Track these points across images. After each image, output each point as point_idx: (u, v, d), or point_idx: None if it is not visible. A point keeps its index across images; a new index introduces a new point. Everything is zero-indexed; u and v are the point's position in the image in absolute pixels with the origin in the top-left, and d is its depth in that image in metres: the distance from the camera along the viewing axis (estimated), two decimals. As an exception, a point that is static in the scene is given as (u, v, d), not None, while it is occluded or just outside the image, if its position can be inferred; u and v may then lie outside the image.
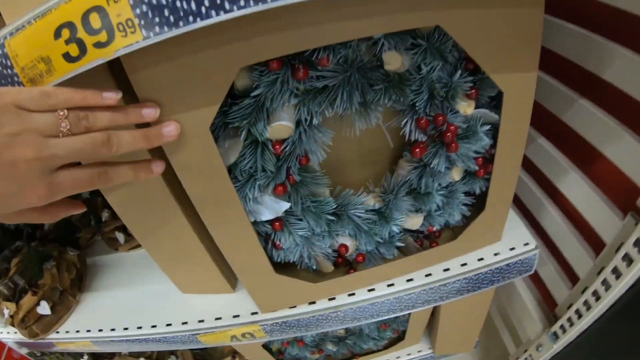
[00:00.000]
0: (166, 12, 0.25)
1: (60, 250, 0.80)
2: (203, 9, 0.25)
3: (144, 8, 0.25)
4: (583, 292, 0.60)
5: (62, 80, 0.28)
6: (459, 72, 0.38)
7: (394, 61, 0.35)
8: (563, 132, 0.60)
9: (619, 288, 0.53)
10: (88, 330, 0.70)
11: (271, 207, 0.41)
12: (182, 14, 0.25)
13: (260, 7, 0.25)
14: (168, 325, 0.63)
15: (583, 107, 0.55)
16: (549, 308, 0.74)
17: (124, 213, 0.49)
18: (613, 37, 0.49)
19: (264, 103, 0.34)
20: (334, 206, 0.46)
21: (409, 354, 0.91)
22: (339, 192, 0.47)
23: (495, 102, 0.42)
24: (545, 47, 0.59)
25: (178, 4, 0.25)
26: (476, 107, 0.42)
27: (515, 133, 0.43)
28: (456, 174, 0.47)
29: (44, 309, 0.71)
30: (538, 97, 0.42)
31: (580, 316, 0.62)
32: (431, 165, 0.43)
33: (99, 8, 0.25)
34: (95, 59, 0.26)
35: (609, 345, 0.65)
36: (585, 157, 0.57)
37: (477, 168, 0.46)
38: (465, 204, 0.52)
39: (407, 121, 0.40)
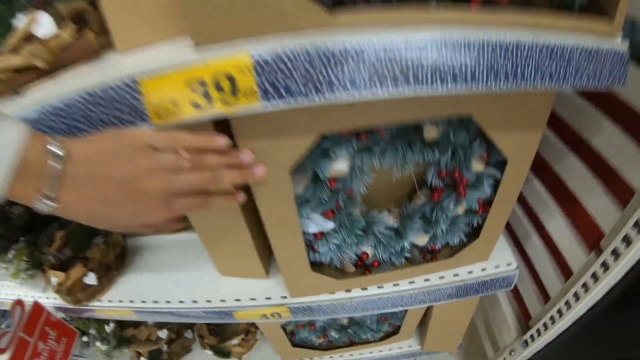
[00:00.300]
0: (281, 90, 0.39)
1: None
2: (309, 91, 0.38)
3: (266, 84, 0.38)
4: (551, 309, 0.76)
5: (182, 120, 0.40)
6: (477, 140, 0.53)
7: (432, 133, 0.50)
8: (552, 178, 0.76)
9: (578, 309, 0.69)
10: (131, 301, 0.84)
11: (319, 224, 0.56)
12: (292, 93, 0.39)
13: (344, 97, 0.39)
14: (208, 301, 0.79)
15: (570, 161, 0.71)
16: (524, 320, 0.90)
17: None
18: (602, 109, 0.64)
19: (329, 152, 0.50)
20: (364, 224, 0.61)
21: (400, 347, 1.08)
22: (367, 212, 0.63)
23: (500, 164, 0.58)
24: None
25: (291, 86, 0.38)
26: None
27: (511, 188, 0.59)
28: (460, 210, 0.63)
29: (91, 279, 0.84)
30: (538, 147, 0.58)
31: (546, 329, 0.78)
32: (443, 204, 0.59)
33: (231, 76, 0.39)
34: (219, 112, 0.39)
35: (570, 354, 0.82)
36: (566, 200, 0.73)
37: (477, 208, 0.62)
38: (464, 232, 0.68)
39: (431, 173, 0.56)
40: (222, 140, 0.44)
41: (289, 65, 0.36)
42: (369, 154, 0.50)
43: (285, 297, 0.75)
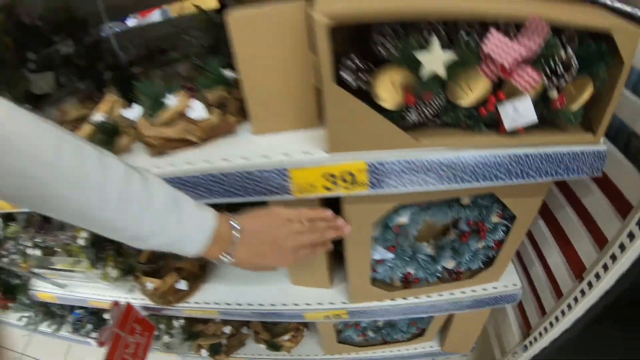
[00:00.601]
0: (382, 183, 0.66)
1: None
2: (401, 184, 0.65)
3: (374, 180, 0.65)
4: (545, 321, 1.03)
5: (315, 196, 0.68)
6: (496, 204, 0.80)
7: (466, 200, 0.78)
8: (553, 220, 1.02)
9: (564, 322, 0.96)
10: (217, 303, 1.11)
11: (383, 254, 0.84)
12: (389, 185, 0.65)
13: (422, 189, 0.66)
14: (284, 304, 1.06)
15: (567, 210, 0.97)
16: (526, 328, 1.16)
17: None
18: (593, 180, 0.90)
19: (398, 210, 0.77)
20: (410, 253, 0.89)
21: (423, 347, 1.35)
22: (413, 244, 0.90)
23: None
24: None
25: (389, 181, 0.65)
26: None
27: (518, 234, 0.86)
28: (480, 246, 0.90)
29: (182, 285, 1.10)
30: (546, 197, 0.83)
31: (541, 336, 1.05)
32: (468, 242, 0.86)
33: (352, 173, 0.66)
34: (341, 193, 0.67)
35: (559, 355, 1.08)
36: (561, 238, 0.99)
37: (493, 245, 0.89)
38: (482, 260, 0.95)
39: (462, 222, 0.83)
40: (328, 213, 0.71)
41: (388, 168, 0.63)
42: (424, 212, 0.78)
43: (344, 302, 1.02)
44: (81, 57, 1.19)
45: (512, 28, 0.53)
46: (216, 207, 0.61)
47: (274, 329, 1.42)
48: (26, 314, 1.62)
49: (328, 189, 0.65)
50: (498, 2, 0.52)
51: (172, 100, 0.75)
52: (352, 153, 0.63)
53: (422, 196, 0.71)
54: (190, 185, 0.70)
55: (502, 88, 0.58)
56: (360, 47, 0.58)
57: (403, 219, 0.78)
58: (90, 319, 1.68)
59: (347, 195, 0.67)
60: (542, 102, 0.59)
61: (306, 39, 0.62)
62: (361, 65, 0.57)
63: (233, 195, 0.70)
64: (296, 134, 0.71)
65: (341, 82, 0.56)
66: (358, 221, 0.75)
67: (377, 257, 0.85)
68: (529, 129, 0.62)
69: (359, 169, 0.63)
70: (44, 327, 1.71)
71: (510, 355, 1.19)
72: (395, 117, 0.61)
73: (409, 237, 0.85)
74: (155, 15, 1.60)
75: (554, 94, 0.58)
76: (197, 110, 0.74)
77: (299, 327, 1.41)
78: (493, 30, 0.51)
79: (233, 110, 0.79)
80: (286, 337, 1.38)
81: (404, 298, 1.01)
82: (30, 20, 1.10)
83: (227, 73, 0.78)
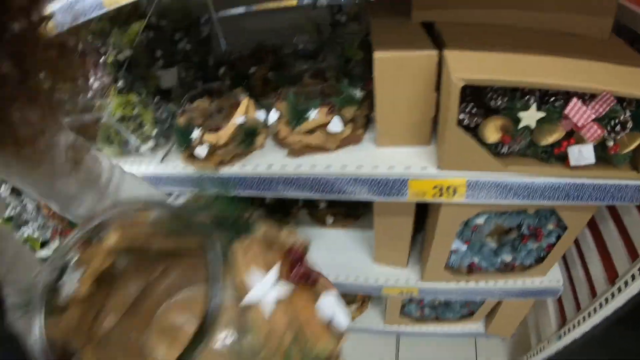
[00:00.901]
0: (476, 194, 0.91)
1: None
2: (491, 197, 0.91)
3: (470, 191, 0.91)
4: (579, 316, 1.27)
5: (425, 200, 0.95)
6: (554, 215, 1.05)
7: (532, 210, 1.03)
8: (596, 231, 1.25)
9: (594, 318, 1.19)
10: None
11: (459, 246, 1.10)
12: (482, 197, 0.91)
13: (505, 202, 0.92)
14: (366, 279, 1.33)
15: (609, 223, 1.20)
16: (562, 321, 1.41)
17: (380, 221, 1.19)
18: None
19: (477, 215, 1.03)
20: (479, 246, 1.15)
21: (469, 328, 1.62)
22: (482, 240, 1.16)
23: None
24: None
25: (481, 194, 0.91)
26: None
27: (567, 241, 1.10)
28: (535, 247, 1.15)
29: None
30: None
31: (574, 328, 1.29)
32: (527, 244, 1.11)
33: (454, 187, 0.92)
34: (442, 200, 0.93)
35: (588, 347, 1.32)
36: (601, 247, 1.22)
37: (545, 247, 1.14)
38: (534, 258, 1.20)
39: (524, 226, 1.08)
40: None
41: (481, 185, 0.89)
42: (497, 217, 1.03)
43: (418, 280, 1.29)
44: (196, 54, 1.45)
45: (588, 97, 0.78)
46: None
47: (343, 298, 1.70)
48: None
49: (434, 195, 0.92)
50: (580, 79, 0.76)
51: (314, 114, 1.01)
52: (457, 172, 0.89)
53: (500, 207, 0.97)
54: (326, 184, 0.97)
55: (572, 136, 0.83)
56: (473, 95, 0.84)
57: (480, 220, 1.04)
58: None
59: (447, 202, 0.93)
60: (600, 147, 0.84)
61: (433, 80, 0.86)
62: (474, 111, 0.83)
63: (360, 195, 0.97)
64: (412, 149, 0.96)
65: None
66: (450, 220, 1.01)
67: (453, 247, 1.12)
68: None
69: (460, 184, 0.89)
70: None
71: (546, 342, 1.43)
72: (491, 148, 0.86)
73: (481, 234, 1.11)
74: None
75: (610, 143, 0.82)
76: (336, 125, 1.00)
77: (365, 299, 1.69)
78: (575, 99, 0.76)
79: (360, 124, 1.05)
80: (354, 306, 1.66)
81: (466, 282, 1.27)
82: (156, 21, 1.30)
83: (357, 93, 1.03)
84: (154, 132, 1.15)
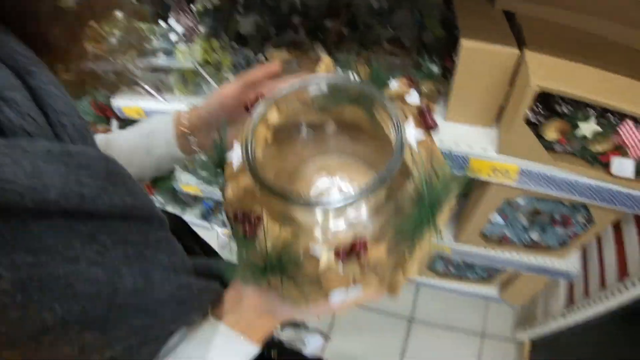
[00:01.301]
0: (526, 180, 1.09)
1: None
2: (540, 185, 1.09)
3: (522, 177, 1.08)
4: (586, 300, 1.47)
5: (480, 178, 1.14)
6: (583, 208, 1.22)
7: (567, 201, 1.20)
8: (618, 227, 1.42)
9: (599, 307, 1.39)
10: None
11: (496, 219, 1.29)
12: (529, 184, 1.09)
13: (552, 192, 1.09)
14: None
15: (630, 224, 1.37)
16: (570, 301, 1.61)
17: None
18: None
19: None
20: (513, 221, 1.34)
21: (485, 291, 1.84)
22: (517, 216, 1.34)
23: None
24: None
25: (530, 178, 1.09)
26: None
27: (592, 233, 1.28)
28: (562, 232, 1.33)
29: None
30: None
31: (579, 310, 1.49)
32: (555, 228, 1.30)
33: (507, 171, 1.10)
34: (499, 181, 1.11)
35: (588, 331, 1.53)
36: (619, 243, 1.40)
37: (571, 235, 1.32)
38: (558, 242, 1.38)
39: (556, 213, 1.26)
40: None
41: (531, 174, 1.06)
42: (537, 201, 1.21)
43: (451, 241, 1.50)
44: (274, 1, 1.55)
45: None
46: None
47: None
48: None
49: (489, 175, 1.10)
50: (630, 104, 0.90)
51: (394, 84, 1.18)
52: (513, 158, 1.06)
53: (542, 194, 1.15)
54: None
55: (619, 149, 0.99)
56: (541, 94, 0.99)
57: (521, 201, 1.22)
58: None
59: (499, 182, 1.12)
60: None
61: (509, 74, 1.00)
62: (540, 111, 0.99)
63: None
64: (476, 128, 1.12)
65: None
66: (496, 197, 1.20)
67: (491, 219, 1.31)
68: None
69: (513, 169, 1.06)
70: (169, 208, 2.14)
71: (551, 317, 1.64)
72: (546, 143, 1.03)
73: (517, 212, 1.29)
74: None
75: (650, 161, 0.98)
76: (414, 97, 1.17)
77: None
78: (629, 121, 0.92)
79: (432, 98, 1.22)
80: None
81: (494, 250, 1.47)
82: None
83: (436, 69, 1.19)
84: (231, 76, 1.28)
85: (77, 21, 0.53)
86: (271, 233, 0.42)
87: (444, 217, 0.45)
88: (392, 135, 0.49)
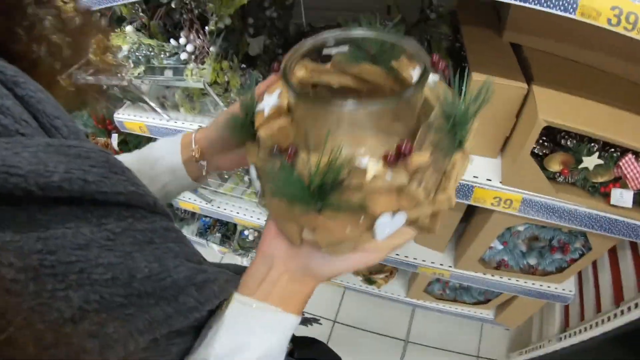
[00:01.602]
0: (528, 210, 1.12)
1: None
2: (538, 214, 1.12)
3: (523, 207, 1.11)
4: (581, 325, 1.50)
5: (478, 204, 1.16)
6: (582, 235, 1.26)
7: (566, 228, 1.24)
8: (614, 252, 1.46)
9: (593, 331, 1.41)
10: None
11: (497, 245, 1.32)
12: (530, 213, 1.12)
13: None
14: (405, 257, 1.56)
15: (625, 251, 1.41)
16: (565, 325, 1.64)
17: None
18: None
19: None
20: (512, 247, 1.36)
21: (480, 313, 1.86)
22: (516, 242, 1.37)
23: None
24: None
25: (528, 210, 1.12)
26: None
27: (589, 259, 1.31)
28: (559, 258, 1.36)
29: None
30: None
31: (575, 335, 1.52)
32: (553, 254, 1.33)
33: (510, 200, 1.13)
34: (498, 209, 1.14)
35: (582, 355, 1.55)
36: (615, 269, 1.43)
37: (568, 260, 1.35)
38: (555, 267, 1.41)
39: (555, 240, 1.29)
40: None
41: (533, 204, 1.09)
42: (536, 228, 1.24)
43: (450, 266, 1.52)
44: (280, 21, 1.58)
45: None
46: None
47: (373, 267, 1.95)
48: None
49: (492, 204, 1.12)
50: (634, 139, 0.94)
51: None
52: (516, 189, 1.09)
53: (542, 222, 1.17)
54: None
55: (619, 180, 1.02)
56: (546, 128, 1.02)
57: (521, 228, 1.25)
58: (221, 228, 2.19)
59: (502, 211, 1.14)
60: (638, 195, 1.03)
61: (517, 107, 1.01)
62: (545, 144, 1.02)
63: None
64: (481, 158, 1.16)
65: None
66: (497, 225, 1.23)
67: (491, 245, 1.33)
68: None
69: (516, 199, 1.09)
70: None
71: (546, 341, 1.67)
72: (548, 175, 1.06)
73: (517, 239, 1.32)
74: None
75: (648, 193, 1.02)
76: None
77: (393, 270, 1.93)
78: (630, 154, 0.95)
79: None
80: (382, 275, 1.90)
81: (492, 275, 1.49)
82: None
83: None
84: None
85: (73, 38, 0.52)
86: (312, 158, 0.41)
87: (471, 138, 0.46)
88: (415, 72, 0.49)
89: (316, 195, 0.39)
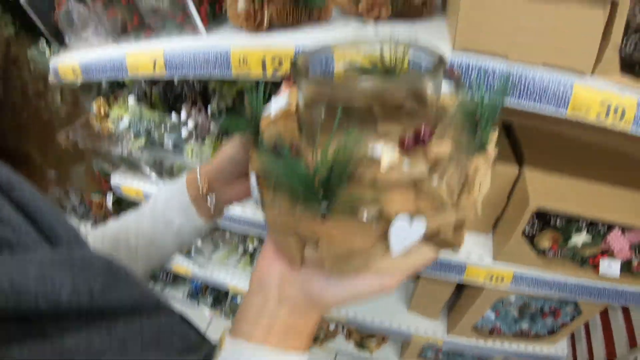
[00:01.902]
0: (517, 285, 1.13)
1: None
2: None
3: (513, 282, 1.13)
4: (579, 381, 1.50)
5: (471, 280, 1.17)
6: (572, 304, 1.28)
7: (555, 298, 1.26)
8: (605, 314, 1.48)
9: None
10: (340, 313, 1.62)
11: (489, 314, 1.32)
12: (520, 286, 1.13)
13: None
14: (399, 325, 1.55)
15: (617, 311, 1.43)
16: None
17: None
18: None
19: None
20: (504, 314, 1.37)
21: None
22: (508, 310, 1.38)
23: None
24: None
25: None
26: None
27: (579, 322, 1.33)
28: (551, 322, 1.37)
29: None
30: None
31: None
32: (545, 319, 1.34)
33: (502, 276, 1.14)
34: (491, 285, 1.16)
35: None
36: (607, 330, 1.45)
37: (560, 324, 1.36)
38: (547, 330, 1.42)
39: (546, 306, 1.31)
40: None
41: (524, 277, 1.11)
42: (526, 298, 1.26)
43: (444, 335, 1.51)
44: None
45: (627, 229, 1.00)
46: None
47: (364, 333, 1.92)
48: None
49: (484, 281, 1.13)
50: (630, 216, 0.97)
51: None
52: (505, 263, 1.11)
53: (532, 292, 1.19)
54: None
55: (606, 252, 1.05)
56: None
57: (512, 298, 1.26)
58: (213, 291, 2.14)
59: (493, 287, 1.15)
60: (626, 264, 1.06)
61: (508, 188, 1.05)
62: (535, 224, 1.05)
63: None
64: (472, 235, 1.18)
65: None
66: (490, 298, 1.24)
67: (484, 314, 1.34)
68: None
69: (507, 275, 1.11)
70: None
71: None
72: (539, 250, 1.08)
73: (509, 307, 1.33)
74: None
75: (635, 263, 1.05)
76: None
77: (385, 337, 1.91)
78: (617, 230, 0.98)
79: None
80: (374, 341, 1.87)
81: (485, 341, 1.49)
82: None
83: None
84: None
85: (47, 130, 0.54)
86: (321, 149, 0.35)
87: (493, 138, 0.41)
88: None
89: (321, 191, 0.34)
